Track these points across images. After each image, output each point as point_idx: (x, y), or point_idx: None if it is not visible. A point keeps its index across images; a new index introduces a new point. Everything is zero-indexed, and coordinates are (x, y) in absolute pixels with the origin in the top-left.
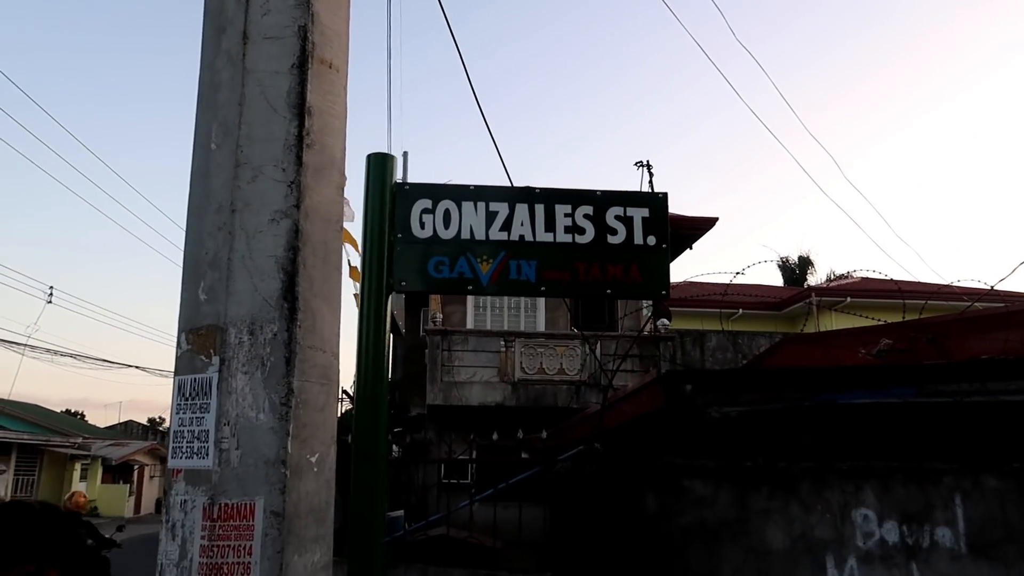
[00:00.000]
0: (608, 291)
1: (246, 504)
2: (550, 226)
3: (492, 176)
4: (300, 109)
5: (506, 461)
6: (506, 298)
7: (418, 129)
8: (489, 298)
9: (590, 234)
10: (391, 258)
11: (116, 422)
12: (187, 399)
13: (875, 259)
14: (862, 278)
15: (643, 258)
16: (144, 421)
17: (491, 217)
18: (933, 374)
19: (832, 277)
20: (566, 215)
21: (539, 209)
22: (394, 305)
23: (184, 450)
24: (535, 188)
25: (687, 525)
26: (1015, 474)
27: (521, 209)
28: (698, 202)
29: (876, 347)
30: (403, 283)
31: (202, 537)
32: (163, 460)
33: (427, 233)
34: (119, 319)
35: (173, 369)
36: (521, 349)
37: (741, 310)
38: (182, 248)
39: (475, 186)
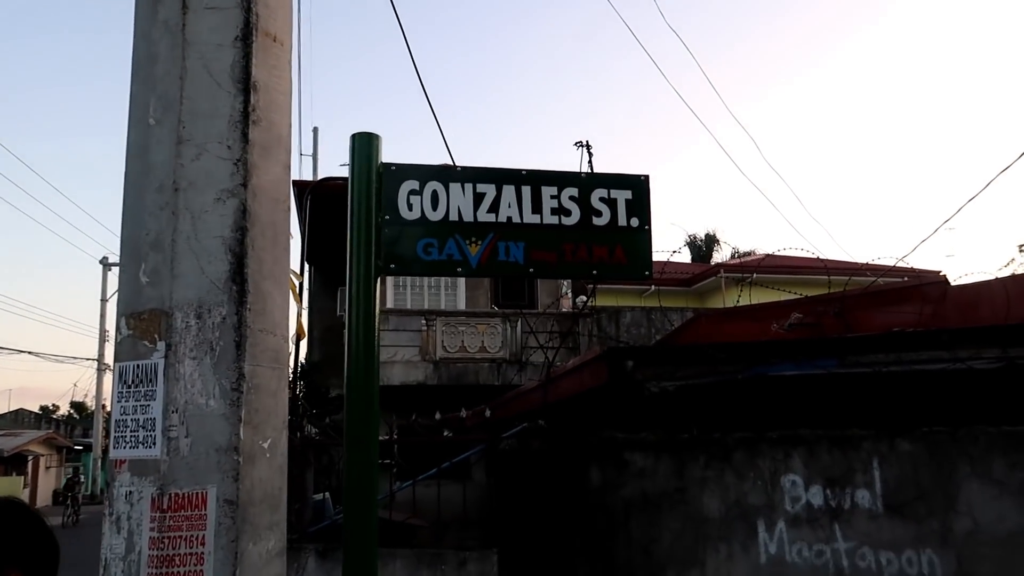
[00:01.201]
0: (594, 272)
1: (198, 493)
2: (537, 208)
3: (412, 150)
4: (245, 84)
5: (435, 441)
6: (427, 277)
7: (327, 104)
8: (409, 277)
9: (576, 216)
10: (379, 240)
11: (5, 411)
12: (129, 386)
13: (782, 236)
14: (766, 255)
15: (627, 239)
16: (36, 409)
17: (479, 199)
18: (853, 346)
19: (737, 254)
20: (552, 197)
21: (526, 191)
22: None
23: (128, 440)
24: (522, 170)
25: (629, 496)
26: (925, 438)
27: (508, 191)
28: None
29: (787, 321)
30: (392, 266)
31: (151, 529)
32: (60, 450)
33: (415, 215)
34: (10, 302)
35: (113, 355)
36: (442, 328)
37: (654, 286)
38: (79, 229)
39: (462, 167)
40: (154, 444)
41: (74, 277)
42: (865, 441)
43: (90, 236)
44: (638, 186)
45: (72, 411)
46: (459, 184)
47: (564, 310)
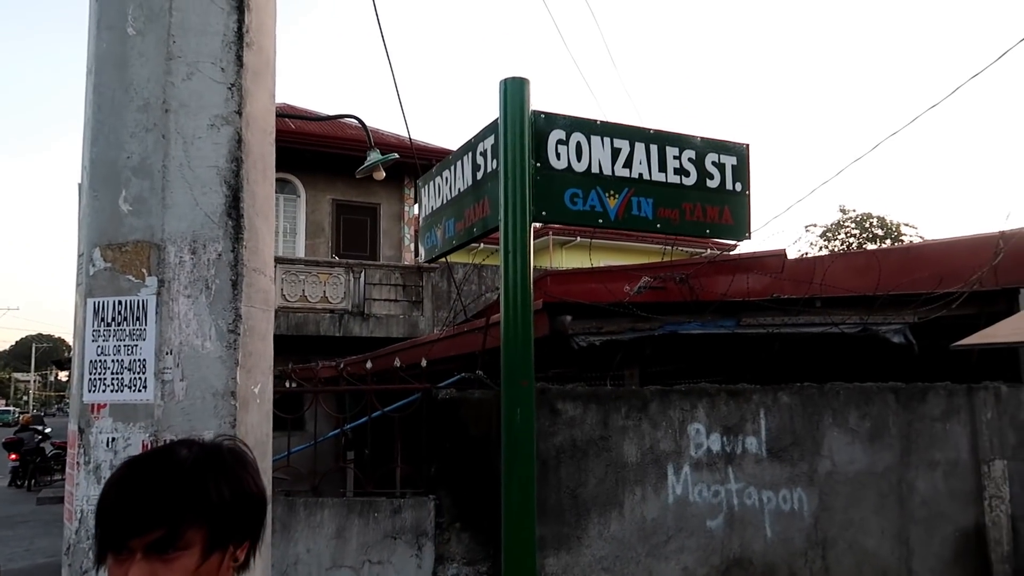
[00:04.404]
0: (707, 231)
1: None
2: (663, 167)
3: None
4: (240, 2)
5: (367, 390)
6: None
7: None
8: None
9: (694, 177)
10: (533, 187)
11: None
12: (109, 324)
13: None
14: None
15: (733, 202)
16: None
17: (616, 153)
18: (748, 308)
19: None
20: (675, 157)
21: (653, 149)
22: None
23: (109, 382)
24: (649, 129)
25: (560, 444)
26: (800, 392)
27: (640, 148)
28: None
29: (638, 284)
30: (543, 213)
31: None
32: None
33: (563, 164)
34: None
35: (80, 288)
36: (282, 275)
37: (482, 244)
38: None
39: (601, 121)
40: (145, 387)
41: None
42: (755, 394)
43: None
44: (740, 153)
45: None
46: (599, 137)
47: (407, 263)
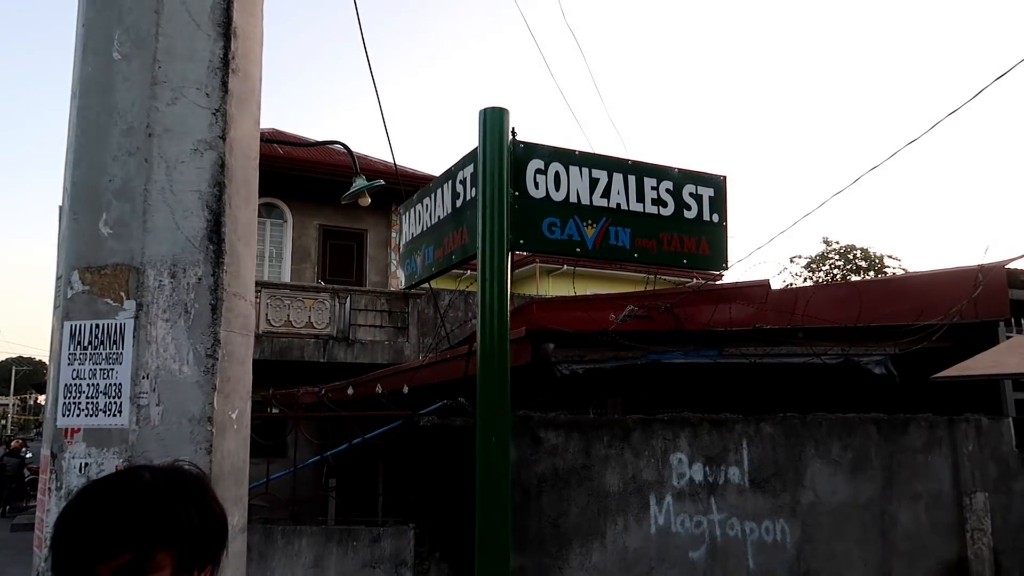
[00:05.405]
0: (684, 261)
1: None
2: (640, 197)
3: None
4: (226, 29)
5: (347, 416)
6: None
7: None
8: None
9: (671, 207)
10: (511, 215)
11: None
12: (85, 348)
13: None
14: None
15: (711, 233)
16: None
17: (593, 183)
18: (731, 338)
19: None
20: (652, 188)
21: (631, 180)
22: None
23: (84, 407)
24: (627, 160)
25: (542, 473)
26: (782, 422)
27: (617, 178)
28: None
29: (623, 313)
30: (521, 241)
31: None
32: None
33: (541, 194)
34: None
35: (57, 311)
36: (267, 300)
37: (469, 271)
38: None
39: (579, 151)
40: (120, 412)
41: None
42: (737, 424)
43: None
44: (718, 185)
45: None
46: (577, 167)
47: (393, 289)
